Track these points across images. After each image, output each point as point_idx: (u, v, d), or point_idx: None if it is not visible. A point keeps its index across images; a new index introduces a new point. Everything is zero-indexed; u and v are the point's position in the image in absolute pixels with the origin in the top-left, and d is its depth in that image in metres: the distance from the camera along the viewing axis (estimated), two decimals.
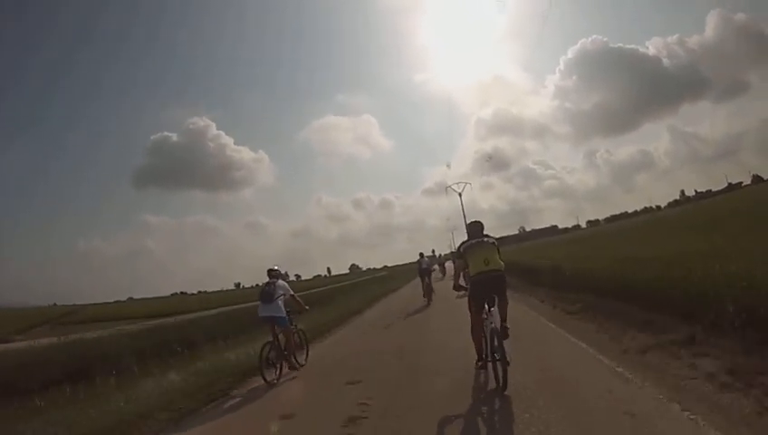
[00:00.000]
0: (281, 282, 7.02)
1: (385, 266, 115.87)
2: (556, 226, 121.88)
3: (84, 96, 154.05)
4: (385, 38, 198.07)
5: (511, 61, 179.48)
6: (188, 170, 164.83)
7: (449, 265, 32.23)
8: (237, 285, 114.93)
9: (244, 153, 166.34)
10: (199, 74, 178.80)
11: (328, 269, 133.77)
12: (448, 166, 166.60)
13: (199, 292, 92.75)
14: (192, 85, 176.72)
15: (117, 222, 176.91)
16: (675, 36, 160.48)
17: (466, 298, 5.19)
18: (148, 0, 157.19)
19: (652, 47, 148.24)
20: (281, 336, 6.82)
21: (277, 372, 6.52)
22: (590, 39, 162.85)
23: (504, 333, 4.57)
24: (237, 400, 5.83)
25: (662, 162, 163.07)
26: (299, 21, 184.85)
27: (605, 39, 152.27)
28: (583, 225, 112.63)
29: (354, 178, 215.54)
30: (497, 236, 5.21)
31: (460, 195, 44.73)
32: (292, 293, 7.10)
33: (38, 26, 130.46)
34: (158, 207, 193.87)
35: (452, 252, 40.00)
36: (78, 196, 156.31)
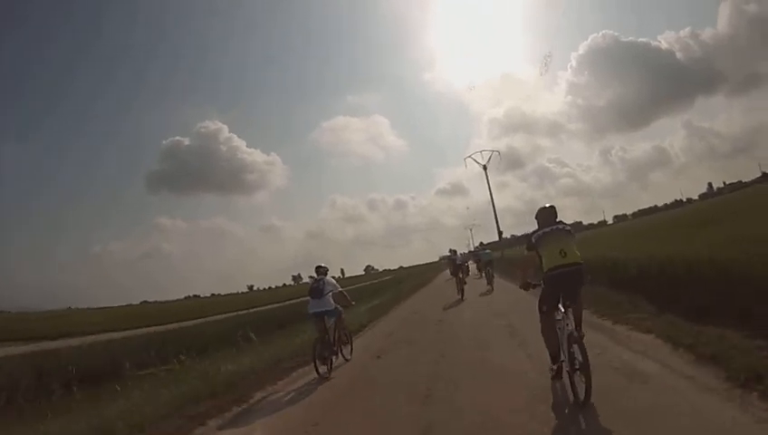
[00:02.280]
0: (329, 278, 7.46)
1: (401, 267, 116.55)
2: (580, 222, 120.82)
3: (93, 99, 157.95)
4: (392, 37, 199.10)
5: (520, 58, 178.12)
6: (201, 174, 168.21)
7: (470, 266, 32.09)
8: (250, 287, 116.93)
9: (256, 156, 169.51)
10: (209, 78, 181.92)
11: (341, 271, 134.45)
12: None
13: (212, 295, 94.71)
14: (202, 88, 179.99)
15: (129, 226, 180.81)
16: (687, 30, 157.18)
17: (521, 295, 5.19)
18: (154, 3, 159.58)
19: (664, 41, 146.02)
20: (330, 330, 7.25)
21: (329, 367, 6.94)
22: (600, 34, 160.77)
23: (579, 337, 4.03)
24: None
25: (678, 158, 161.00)
26: (305, 21, 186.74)
27: (616, 33, 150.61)
28: (610, 220, 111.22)
29: (367, 178, 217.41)
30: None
31: (485, 167, 37.44)
32: (340, 289, 7.55)
33: (43, 29, 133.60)
34: (172, 212, 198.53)
35: (470, 251, 38.66)
36: (89, 201, 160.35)
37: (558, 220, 4.53)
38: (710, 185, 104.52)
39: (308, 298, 7.42)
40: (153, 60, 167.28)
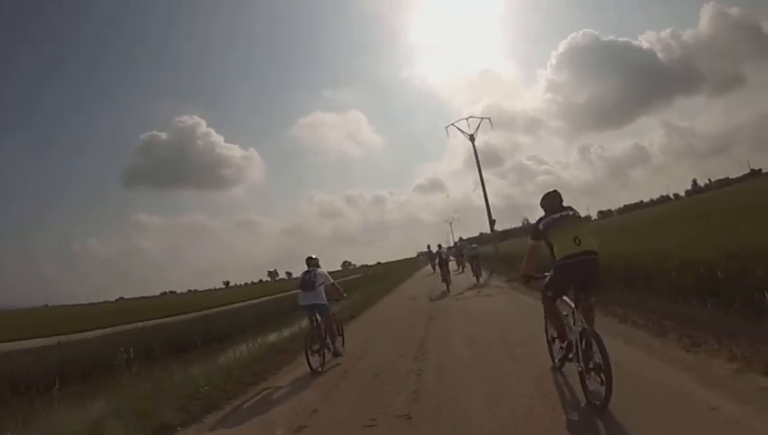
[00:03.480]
0: (320, 270, 7.33)
1: (378, 263, 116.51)
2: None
3: (72, 96, 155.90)
4: (371, 34, 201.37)
5: (500, 56, 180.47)
6: (179, 169, 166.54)
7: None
8: (226, 283, 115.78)
9: (234, 151, 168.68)
10: (188, 72, 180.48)
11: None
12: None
13: (189, 291, 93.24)
14: (181, 83, 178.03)
15: (106, 222, 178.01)
16: (668, 30, 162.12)
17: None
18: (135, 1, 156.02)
19: (645, 41, 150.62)
20: (321, 324, 7.14)
21: (321, 360, 6.84)
22: (580, 32, 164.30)
23: (595, 332, 3.68)
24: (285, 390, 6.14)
25: (657, 157, 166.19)
26: (283, 16, 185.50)
27: (596, 32, 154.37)
28: (594, 216, 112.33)
29: (346, 174, 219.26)
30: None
31: (472, 138, 29.33)
32: (332, 281, 7.41)
33: (24, 26, 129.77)
34: (149, 207, 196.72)
35: (449, 247, 35.74)
36: (67, 196, 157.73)
37: (567, 206, 4.24)
38: (695, 181, 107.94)
39: (298, 291, 7.28)
40: (132, 56, 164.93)
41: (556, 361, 4.57)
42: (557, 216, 4.15)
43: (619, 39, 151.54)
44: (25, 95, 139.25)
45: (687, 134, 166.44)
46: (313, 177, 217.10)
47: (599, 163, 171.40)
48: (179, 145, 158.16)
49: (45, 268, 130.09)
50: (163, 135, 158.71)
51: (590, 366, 3.61)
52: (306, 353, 6.64)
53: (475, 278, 17.90)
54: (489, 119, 27.44)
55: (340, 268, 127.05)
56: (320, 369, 6.63)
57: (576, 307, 3.96)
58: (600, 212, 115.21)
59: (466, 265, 25.89)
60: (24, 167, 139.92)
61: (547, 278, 4.28)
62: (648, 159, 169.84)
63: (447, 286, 16.53)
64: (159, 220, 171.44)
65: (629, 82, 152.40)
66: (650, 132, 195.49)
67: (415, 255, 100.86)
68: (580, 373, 3.76)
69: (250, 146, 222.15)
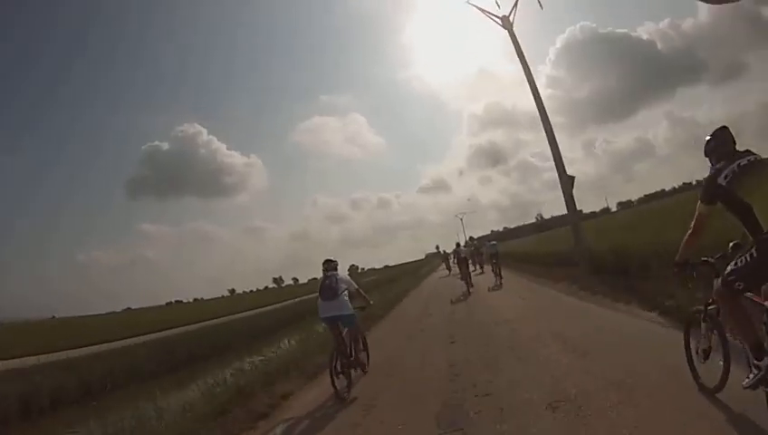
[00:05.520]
0: (342, 274, 6.30)
1: (386, 266, 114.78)
2: (581, 210, 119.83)
3: (73, 106, 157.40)
4: (365, 36, 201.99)
5: (496, 54, 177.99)
6: (182, 178, 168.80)
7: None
8: (232, 291, 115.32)
9: (236, 158, 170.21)
10: (188, 83, 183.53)
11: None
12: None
13: (195, 300, 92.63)
14: (180, 94, 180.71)
15: (112, 233, 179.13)
16: (666, 21, 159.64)
17: None
18: (136, 9, 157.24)
19: (644, 32, 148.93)
20: (347, 338, 6.08)
21: (348, 382, 5.79)
22: (577, 26, 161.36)
23: None
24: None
25: (662, 149, 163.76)
26: (278, 22, 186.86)
27: (593, 25, 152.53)
28: (613, 208, 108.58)
29: (349, 177, 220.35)
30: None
31: (507, 22, 14.84)
32: (356, 286, 6.35)
33: (24, 40, 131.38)
34: (153, 217, 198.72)
35: (463, 246, 32.00)
36: (71, 208, 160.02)
37: (745, 150, 2.79)
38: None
39: (317, 298, 6.18)
40: (133, 68, 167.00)
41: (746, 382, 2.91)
42: (744, 162, 2.66)
43: (618, 31, 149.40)
44: (19, 112, 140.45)
45: (691, 125, 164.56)
46: (317, 181, 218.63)
47: (604, 158, 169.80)
48: (181, 154, 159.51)
49: (52, 280, 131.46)
50: (165, 145, 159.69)
51: None
52: (331, 374, 5.59)
53: (496, 279, 16.74)
54: None
55: (346, 273, 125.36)
56: (346, 394, 5.57)
57: None
58: (619, 203, 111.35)
59: (486, 266, 24.60)
60: (28, 182, 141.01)
61: (737, 261, 2.66)
62: (653, 152, 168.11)
63: (468, 288, 15.48)
64: (165, 229, 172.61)
65: (630, 74, 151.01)
66: (654, 124, 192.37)
67: (423, 256, 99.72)
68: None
69: (252, 153, 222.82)
